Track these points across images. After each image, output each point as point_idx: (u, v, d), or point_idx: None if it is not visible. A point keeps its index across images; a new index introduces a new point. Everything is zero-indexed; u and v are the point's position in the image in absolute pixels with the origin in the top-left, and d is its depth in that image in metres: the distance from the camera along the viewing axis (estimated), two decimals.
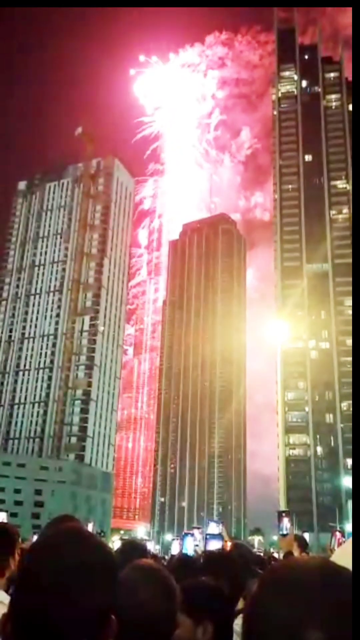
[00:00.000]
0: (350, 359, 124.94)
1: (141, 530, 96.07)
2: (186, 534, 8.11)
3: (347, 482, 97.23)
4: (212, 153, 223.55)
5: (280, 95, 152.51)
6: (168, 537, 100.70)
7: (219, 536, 7.37)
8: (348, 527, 59.34)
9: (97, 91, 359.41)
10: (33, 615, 1.04)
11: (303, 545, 7.62)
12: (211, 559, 4.02)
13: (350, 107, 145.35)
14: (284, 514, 6.33)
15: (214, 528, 8.58)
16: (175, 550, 10.58)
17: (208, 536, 7.29)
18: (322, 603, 0.84)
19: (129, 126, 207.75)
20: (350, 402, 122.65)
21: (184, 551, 7.87)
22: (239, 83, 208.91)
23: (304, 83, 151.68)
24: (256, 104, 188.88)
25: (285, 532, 6.23)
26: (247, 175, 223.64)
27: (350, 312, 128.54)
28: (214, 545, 6.69)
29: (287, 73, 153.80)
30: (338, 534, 8.51)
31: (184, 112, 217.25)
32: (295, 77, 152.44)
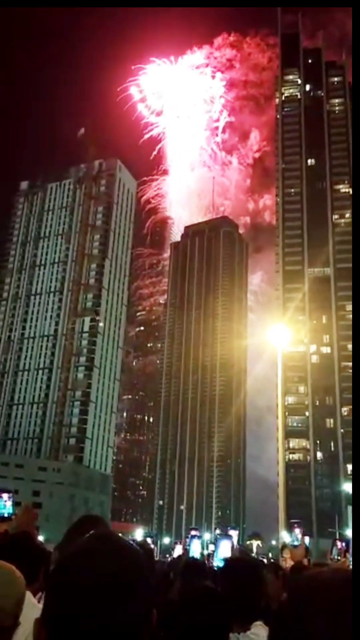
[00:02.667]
0: (351, 363, 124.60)
1: (139, 533, 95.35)
2: (193, 536, 7.65)
3: (347, 487, 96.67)
4: (219, 155, 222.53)
5: (283, 98, 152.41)
6: (166, 540, 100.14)
7: (228, 536, 7.08)
8: (348, 532, 58.83)
9: (102, 92, 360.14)
10: (75, 622, 1.01)
11: (307, 552, 7.68)
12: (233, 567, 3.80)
13: None
14: (296, 525, 6.28)
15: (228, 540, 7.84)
16: (177, 553, 10.16)
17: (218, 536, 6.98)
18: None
19: (133, 128, 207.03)
20: (351, 407, 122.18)
21: (190, 554, 7.40)
22: (247, 85, 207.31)
23: (308, 87, 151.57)
24: (264, 106, 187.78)
25: (297, 543, 6.17)
26: (255, 178, 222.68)
27: (351, 316, 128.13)
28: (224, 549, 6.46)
29: (290, 77, 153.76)
30: (339, 544, 8.19)
31: (191, 114, 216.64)
32: (299, 81, 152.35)
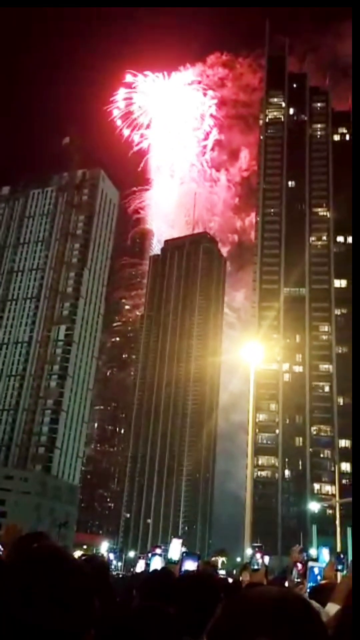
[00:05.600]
0: (322, 383, 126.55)
1: (104, 546, 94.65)
2: (154, 554, 7.53)
3: (312, 506, 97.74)
4: (207, 171, 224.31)
5: (267, 120, 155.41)
6: (131, 554, 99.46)
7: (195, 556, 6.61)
8: (312, 551, 59.48)
9: (90, 102, 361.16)
10: (13, 634, 1.01)
11: (267, 574, 7.78)
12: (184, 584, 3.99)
13: (335, 137, 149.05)
14: (257, 549, 6.34)
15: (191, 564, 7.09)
16: (140, 568, 10.33)
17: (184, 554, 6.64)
18: (274, 617, 0.95)
19: (120, 139, 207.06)
20: (320, 426, 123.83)
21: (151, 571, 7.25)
22: (237, 104, 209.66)
23: (292, 110, 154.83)
24: (253, 126, 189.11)
25: (257, 567, 6.23)
26: (243, 196, 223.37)
27: (324, 337, 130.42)
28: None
29: (275, 99, 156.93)
30: (299, 566, 8.27)
31: (180, 129, 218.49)
32: (283, 104, 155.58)
